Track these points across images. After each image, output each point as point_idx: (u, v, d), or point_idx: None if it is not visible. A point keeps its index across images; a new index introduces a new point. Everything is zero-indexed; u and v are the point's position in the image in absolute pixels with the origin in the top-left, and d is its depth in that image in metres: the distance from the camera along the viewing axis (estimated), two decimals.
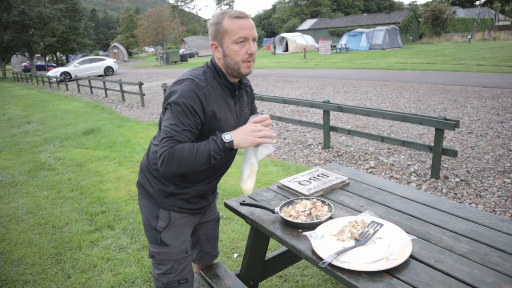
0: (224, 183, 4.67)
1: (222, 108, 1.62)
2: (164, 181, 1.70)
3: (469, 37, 32.77)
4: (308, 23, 47.20)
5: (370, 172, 4.86)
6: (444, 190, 4.15)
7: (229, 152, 1.61)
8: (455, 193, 4.07)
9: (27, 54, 36.96)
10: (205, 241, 2.05)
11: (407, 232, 1.60)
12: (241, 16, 1.54)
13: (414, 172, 4.74)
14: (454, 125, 4.10)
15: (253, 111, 1.89)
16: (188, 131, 1.53)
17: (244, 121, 1.73)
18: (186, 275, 1.80)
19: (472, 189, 4.13)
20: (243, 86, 1.74)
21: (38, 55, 47.43)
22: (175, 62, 35.67)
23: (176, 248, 1.75)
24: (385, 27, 31.84)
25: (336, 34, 41.42)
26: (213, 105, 1.58)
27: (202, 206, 1.84)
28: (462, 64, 16.14)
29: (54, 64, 44.09)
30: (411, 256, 1.45)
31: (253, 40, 1.58)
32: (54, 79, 22.45)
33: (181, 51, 43.80)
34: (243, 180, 1.78)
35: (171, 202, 1.72)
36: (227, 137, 1.55)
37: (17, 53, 37.55)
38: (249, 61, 1.59)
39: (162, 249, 1.73)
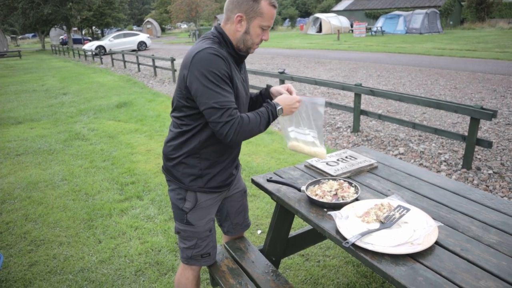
0: (251, 160, 4.72)
1: (235, 77, 1.66)
2: (190, 164, 1.73)
3: None
4: (344, 3, 45.77)
5: (399, 159, 4.77)
6: (475, 182, 4.04)
7: None
8: (486, 185, 3.95)
9: (64, 27, 37.86)
10: (234, 213, 2.09)
11: (434, 218, 1.58)
12: (275, 6, 1.63)
13: (444, 161, 4.62)
14: (491, 115, 3.94)
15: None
16: (232, 95, 1.59)
17: (247, 90, 1.83)
18: (208, 250, 1.89)
19: (506, 182, 3.99)
20: (244, 57, 1.76)
21: (75, 28, 48.50)
22: None
23: (201, 227, 1.82)
24: (424, 11, 30.45)
25: (372, 16, 39.99)
26: (231, 72, 1.61)
27: (228, 183, 1.87)
28: (505, 52, 15.32)
29: (89, 38, 45.04)
30: (437, 243, 1.44)
31: None
32: (90, 53, 23.00)
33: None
34: (318, 145, 1.85)
35: (198, 183, 1.76)
36: (278, 108, 1.70)
37: (55, 26, 38.51)
38: (258, 45, 1.70)
39: (188, 227, 1.81)
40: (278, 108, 1.69)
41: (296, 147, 1.91)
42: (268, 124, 1.67)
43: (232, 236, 2.20)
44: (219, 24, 1.69)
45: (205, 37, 1.66)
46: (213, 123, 1.56)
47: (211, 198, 1.82)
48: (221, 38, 1.64)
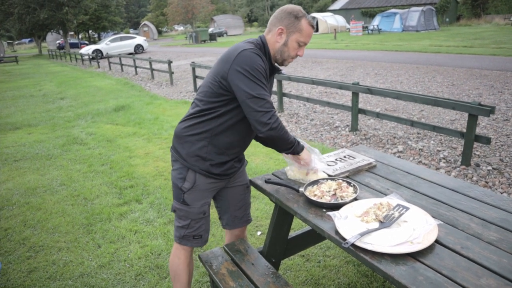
0: (250, 161, 4.71)
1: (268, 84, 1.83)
2: (198, 145, 1.82)
3: None
4: (340, 2, 45.77)
5: (398, 157, 4.77)
6: (474, 178, 4.03)
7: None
8: (486, 182, 3.94)
9: (61, 32, 37.81)
10: (235, 206, 2.13)
11: (433, 217, 1.57)
12: (313, 26, 1.82)
13: (443, 158, 4.61)
14: (489, 111, 3.94)
15: None
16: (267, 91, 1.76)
17: None
18: (200, 232, 1.99)
19: (505, 178, 3.99)
20: (277, 71, 1.92)
21: (72, 33, 48.45)
22: (204, 41, 35.69)
23: (196, 209, 1.91)
24: (420, 8, 30.49)
25: (369, 14, 39.99)
26: (267, 77, 1.78)
27: (229, 173, 1.95)
28: (502, 48, 15.34)
29: (86, 42, 45.04)
30: (437, 241, 1.43)
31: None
32: (87, 57, 22.96)
33: (210, 30, 43.68)
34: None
35: (200, 164, 1.85)
36: (301, 151, 1.94)
37: (52, 30, 38.48)
38: (293, 59, 1.86)
39: (183, 207, 1.91)
40: (300, 150, 1.90)
41: (292, 175, 2.10)
42: (291, 147, 1.84)
43: (231, 229, 2.20)
44: (264, 35, 1.86)
45: (250, 41, 1.81)
46: (254, 112, 1.67)
47: (209, 182, 1.90)
48: (263, 47, 1.80)
